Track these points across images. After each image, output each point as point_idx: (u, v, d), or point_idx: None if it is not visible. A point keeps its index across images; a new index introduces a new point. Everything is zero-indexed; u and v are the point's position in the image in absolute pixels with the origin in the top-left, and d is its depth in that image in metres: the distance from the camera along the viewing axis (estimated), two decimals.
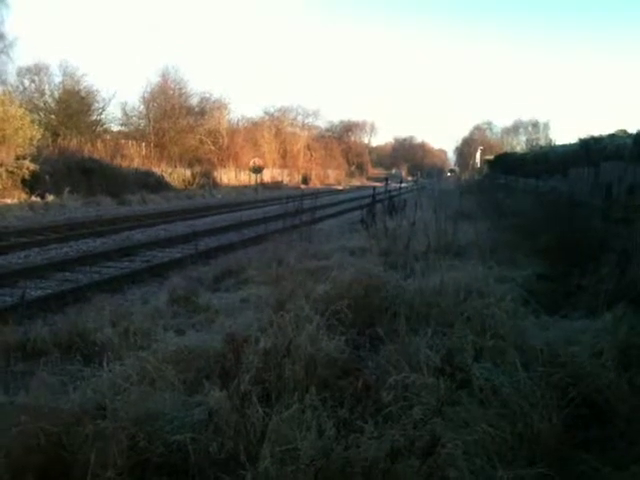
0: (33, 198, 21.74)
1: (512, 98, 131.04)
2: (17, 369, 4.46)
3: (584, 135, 18.81)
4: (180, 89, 41.67)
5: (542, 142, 61.96)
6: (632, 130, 17.57)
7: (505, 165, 28.51)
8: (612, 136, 18.25)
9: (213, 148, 41.64)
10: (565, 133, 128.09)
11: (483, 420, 3.11)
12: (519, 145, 73.90)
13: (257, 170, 40.41)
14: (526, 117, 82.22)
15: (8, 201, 20.65)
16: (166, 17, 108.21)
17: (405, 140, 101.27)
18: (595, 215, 8.96)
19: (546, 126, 78.02)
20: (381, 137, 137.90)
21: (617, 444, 3.19)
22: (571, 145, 21.39)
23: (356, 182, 68.18)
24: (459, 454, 2.80)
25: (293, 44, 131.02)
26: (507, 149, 60.41)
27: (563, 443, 3.14)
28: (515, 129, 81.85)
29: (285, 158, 55.23)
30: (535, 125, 79.28)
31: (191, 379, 3.67)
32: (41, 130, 26.22)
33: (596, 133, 18.25)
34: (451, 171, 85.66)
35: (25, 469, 2.86)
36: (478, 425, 3.06)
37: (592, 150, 16.11)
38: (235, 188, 40.01)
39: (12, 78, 33.61)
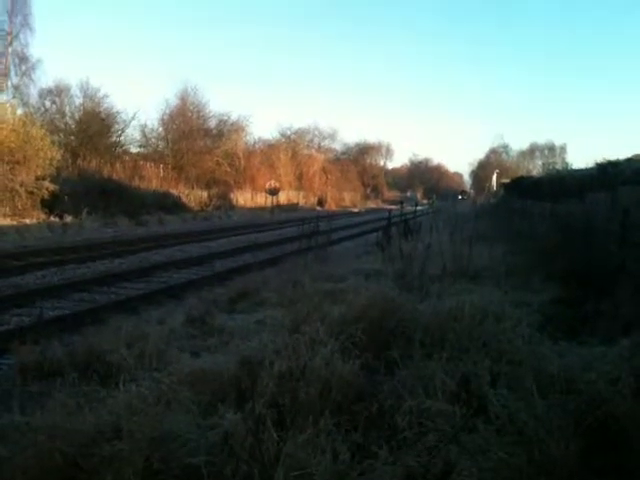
0: (52, 218, 22.02)
1: (529, 121, 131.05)
2: (34, 389, 4.50)
3: (601, 159, 18.70)
4: (199, 111, 42.23)
5: (559, 166, 61.76)
6: None
7: (521, 189, 28.38)
8: (629, 160, 18.15)
9: (230, 170, 41.95)
10: (582, 157, 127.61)
11: (499, 447, 3.08)
12: (535, 169, 73.73)
13: (273, 192, 40.64)
14: (542, 140, 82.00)
15: (27, 221, 20.92)
16: (183, 36, 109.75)
17: (421, 163, 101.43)
18: (612, 240, 8.88)
19: (563, 149, 77.97)
20: (397, 159, 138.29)
21: (634, 473, 3.14)
22: (588, 169, 21.30)
23: (372, 204, 68.24)
24: None
25: (310, 66, 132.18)
26: (523, 173, 60.21)
27: (580, 471, 3.09)
28: (531, 152, 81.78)
29: (301, 180, 55.46)
30: (551, 149, 79.21)
31: (206, 401, 3.68)
32: (61, 151, 26.58)
33: (614, 157, 18.14)
34: (463, 193, 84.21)
35: None
36: (494, 452, 3.03)
37: (609, 174, 16.02)
38: (251, 210, 40.25)
39: (34, 100, 34.34)
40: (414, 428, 3.25)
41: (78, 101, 34.99)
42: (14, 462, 2.98)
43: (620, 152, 23.40)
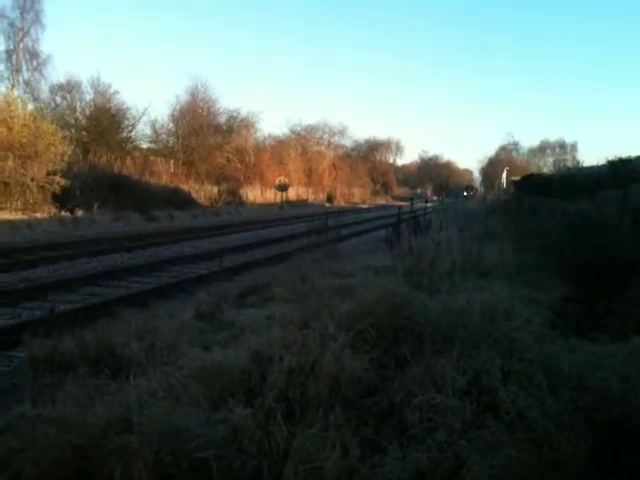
0: (63, 213, 22.12)
1: (539, 118, 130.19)
2: (45, 382, 4.52)
3: (613, 156, 18.58)
4: (209, 108, 42.30)
5: (569, 163, 61.48)
6: None
7: (531, 186, 28.24)
8: None
9: (240, 166, 41.99)
10: (594, 154, 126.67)
11: (509, 444, 3.07)
12: (546, 166, 73.37)
13: (283, 188, 40.77)
14: (553, 137, 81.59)
15: (38, 215, 21.03)
16: (194, 33, 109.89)
17: (431, 159, 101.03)
18: (624, 238, 8.83)
19: (573, 147, 77.65)
20: (407, 156, 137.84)
21: None
22: (599, 167, 21.18)
23: (381, 201, 68.12)
24: (484, 478, 2.77)
25: (320, 63, 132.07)
26: (534, 170, 59.91)
27: (591, 469, 3.08)
28: (542, 150, 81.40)
29: (310, 176, 55.49)
30: (562, 146, 78.84)
31: (216, 395, 3.68)
32: (72, 146, 26.66)
33: (626, 154, 17.99)
34: (468, 189, 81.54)
35: None
36: (504, 449, 3.02)
37: (620, 172, 15.92)
38: (261, 205, 40.32)
39: (45, 95, 34.55)
40: (424, 424, 3.24)
41: (89, 97, 35.13)
42: (25, 454, 2.99)
43: (633, 149, 23.24)
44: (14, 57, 34.11)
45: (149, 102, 60.94)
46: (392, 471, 2.77)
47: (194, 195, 33.94)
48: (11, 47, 34.13)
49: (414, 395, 3.56)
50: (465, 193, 72.54)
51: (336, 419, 3.18)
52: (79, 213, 22.35)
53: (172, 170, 35.54)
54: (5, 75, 33.93)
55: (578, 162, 56.66)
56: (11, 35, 34.06)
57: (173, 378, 3.78)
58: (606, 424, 3.40)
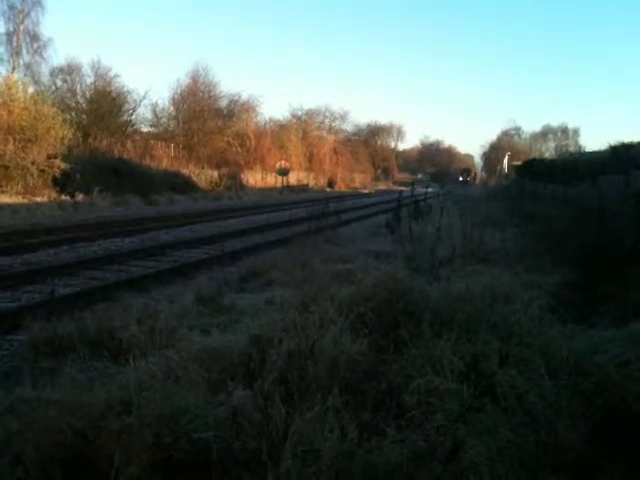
0: (63, 197, 22.06)
1: (542, 103, 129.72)
2: (45, 365, 4.53)
3: (615, 142, 18.54)
4: (210, 91, 42.16)
5: (571, 149, 61.32)
6: None
7: (533, 171, 28.21)
8: None
9: (240, 150, 41.87)
10: (596, 139, 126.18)
11: (507, 427, 3.08)
12: (548, 151, 73.22)
13: (283, 172, 40.69)
14: (555, 123, 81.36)
15: (38, 199, 20.99)
16: (196, 16, 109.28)
17: (432, 145, 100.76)
18: (625, 223, 8.82)
19: (576, 132, 77.42)
20: (408, 141, 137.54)
21: None
22: (601, 152, 21.11)
23: (382, 186, 67.94)
24: (482, 461, 2.78)
25: (322, 47, 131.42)
26: (535, 155, 59.71)
27: (588, 453, 3.09)
28: (544, 135, 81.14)
29: (311, 161, 55.29)
30: (564, 131, 78.61)
31: (215, 378, 3.69)
32: (72, 130, 26.58)
33: (629, 139, 17.95)
34: (465, 173, 78.76)
35: (52, 463, 2.91)
36: (501, 432, 3.03)
37: (622, 157, 15.88)
38: (261, 190, 40.22)
39: (45, 78, 34.42)
40: (422, 407, 3.26)
41: (89, 80, 35.08)
42: (25, 436, 3.01)
43: (636, 134, 23.18)
44: (14, 40, 33.93)
45: (150, 86, 60.76)
46: (390, 454, 2.79)
47: (194, 179, 33.83)
48: (11, 29, 33.96)
49: (412, 378, 3.57)
50: (461, 178, 70.87)
51: (334, 402, 3.19)
52: (79, 197, 22.28)
53: (172, 154, 35.46)
54: (5, 58, 33.82)
55: (580, 147, 56.63)
56: (11, 17, 33.89)
57: (173, 361, 3.78)
58: (604, 409, 3.41)
